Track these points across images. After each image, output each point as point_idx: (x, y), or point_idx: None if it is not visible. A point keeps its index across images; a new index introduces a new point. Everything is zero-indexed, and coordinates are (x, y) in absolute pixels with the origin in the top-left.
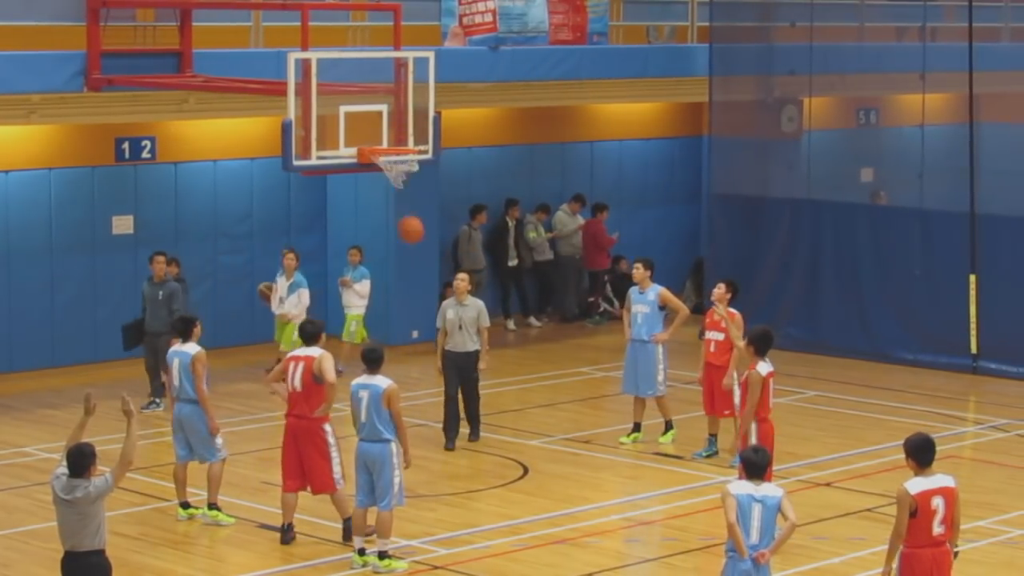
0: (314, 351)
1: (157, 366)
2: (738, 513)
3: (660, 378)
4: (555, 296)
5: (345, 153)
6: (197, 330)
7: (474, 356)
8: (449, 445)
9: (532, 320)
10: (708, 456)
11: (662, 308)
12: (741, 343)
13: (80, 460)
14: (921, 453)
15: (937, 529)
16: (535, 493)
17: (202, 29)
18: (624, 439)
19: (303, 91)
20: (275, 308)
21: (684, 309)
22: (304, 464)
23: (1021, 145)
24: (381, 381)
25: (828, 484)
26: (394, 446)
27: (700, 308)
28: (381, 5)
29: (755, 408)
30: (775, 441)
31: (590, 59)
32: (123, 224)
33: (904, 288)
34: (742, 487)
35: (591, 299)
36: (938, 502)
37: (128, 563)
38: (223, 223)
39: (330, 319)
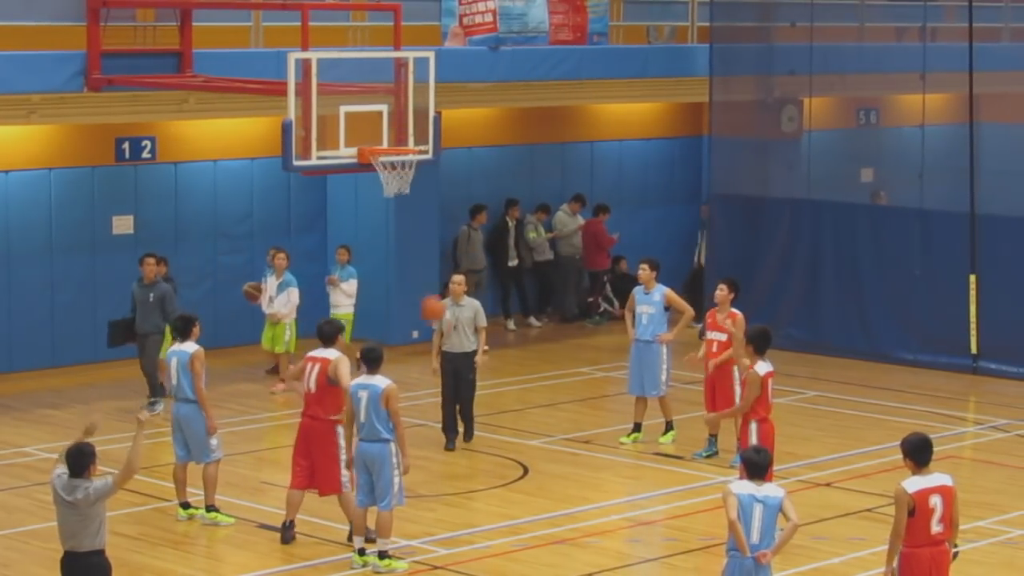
0: (331, 353)
1: (155, 364)
2: (739, 513)
3: (663, 378)
4: (555, 296)
5: (345, 153)
6: (196, 329)
7: (470, 356)
8: (449, 445)
9: (532, 320)
10: (708, 456)
11: (667, 309)
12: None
13: (79, 460)
14: (919, 453)
15: (935, 528)
16: (535, 493)
17: (202, 29)
18: (624, 439)
19: (303, 91)
20: (265, 308)
21: (689, 310)
22: (314, 465)
23: (1021, 145)
24: (380, 381)
25: (828, 484)
26: (393, 446)
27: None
28: (381, 5)
29: (749, 406)
30: (775, 441)
31: (590, 59)
32: (123, 224)
33: (904, 288)
34: (744, 487)
35: (591, 299)
36: (936, 501)
37: (128, 563)
38: (223, 223)
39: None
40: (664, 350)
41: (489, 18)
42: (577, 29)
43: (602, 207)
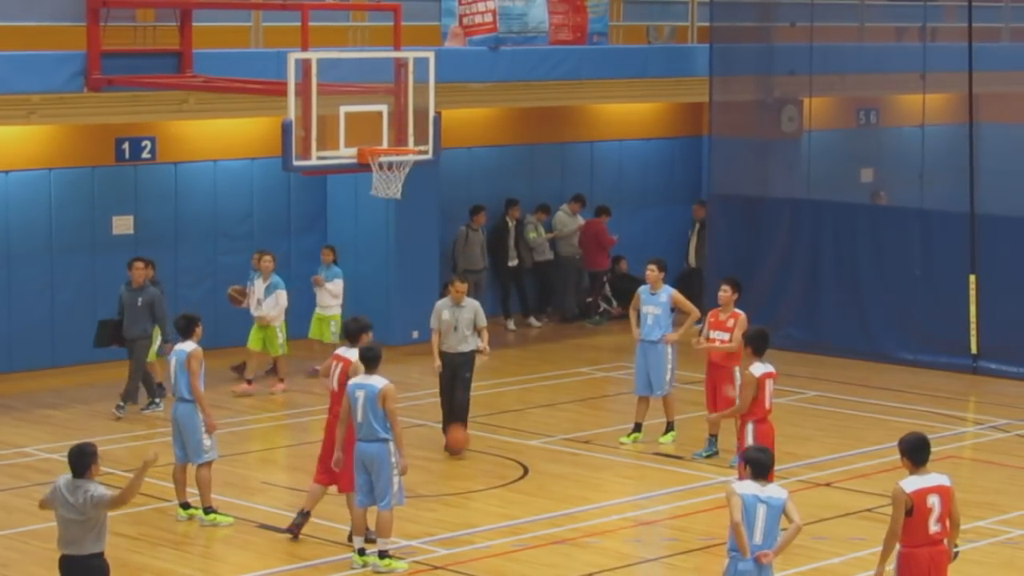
0: (354, 354)
1: (147, 371)
2: (743, 514)
3: (668, 377)
4: (555, 296)
5: (345, 153)
6: (199, 330)
7: (469, 357)
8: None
9: (532, 320)
10: (708, 456)
11: (673, 310)
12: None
13: (81, 459)
14: (916, 452)
15: (933, 528)
16: (535, 493)
17: (202, 29)
18: (624, 439)
19: (303, 91)
20: (253, 311)
21: (695, 311)
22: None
23: (1021, 145)
24: (378, 381)
25: (828, 484)
26: (391, 446)
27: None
28: (381, 5)
29: (747, 407)
30: (775, 442)
31: (590, 59)
32: (123, 224)
33: (904, 288)
34: (747, 487)
35: (590, 299)
36: (934, 500)
37: (128, 563)
38: (223, 223)
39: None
40: (669, 350)
41: (489, 18)
42: (577, 29)
43: (603, 208)
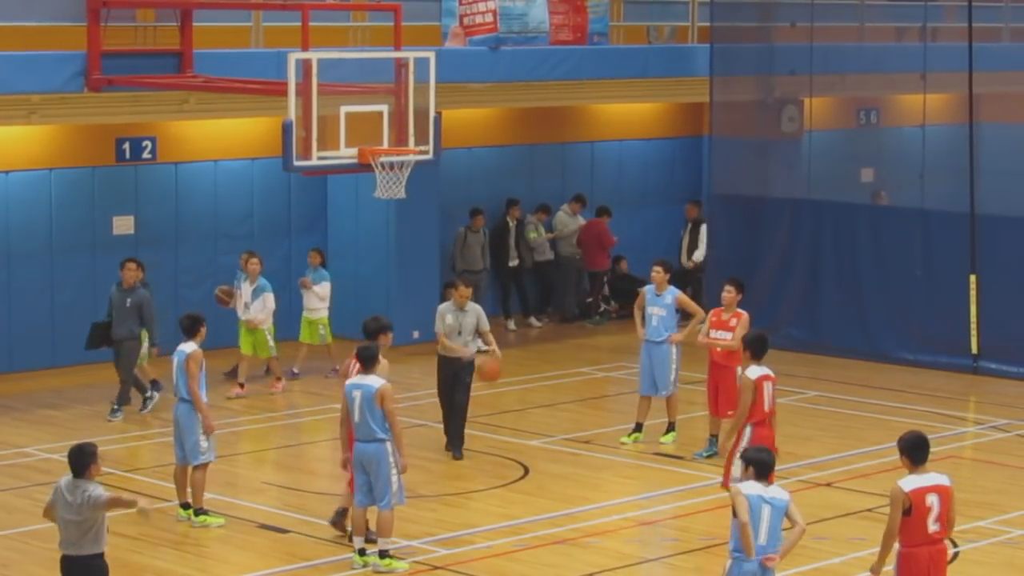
0: None
1: (131, 371)
2: (748, 514)
3: (672, 378)
4: (555, 296)
5: (345, 153)
6: (203, 330)
7: (470, 361)
8: (456, 454)
9: (532, 320)
10: (708, 456)
11: (678, 311)
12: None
13: (80, 459)
14: (915, 451)
15: (932, 527)
16: (535, 493)
17: (202, 29)
18: (625, 439)
19: (303, 91)
20: (241, 314)
21: (700, 312)
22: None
23: (1021, 145)
24: (374, 381)
25: (828, 484)
26: (389, 445)
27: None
28: (381, 5)
29: (746, 412)
30: (775, 446)
31: (590, 59)
32: (123, 224)
33: (904, 288)
34: (752, 488)
35: (589, 300)
36: (933, 500)
37: (128, 563)
38: (223, 223)
39: (333, 320)
40: (674, 350)
41: (489, 18)
42: (577, 29)
43: (604, 208)
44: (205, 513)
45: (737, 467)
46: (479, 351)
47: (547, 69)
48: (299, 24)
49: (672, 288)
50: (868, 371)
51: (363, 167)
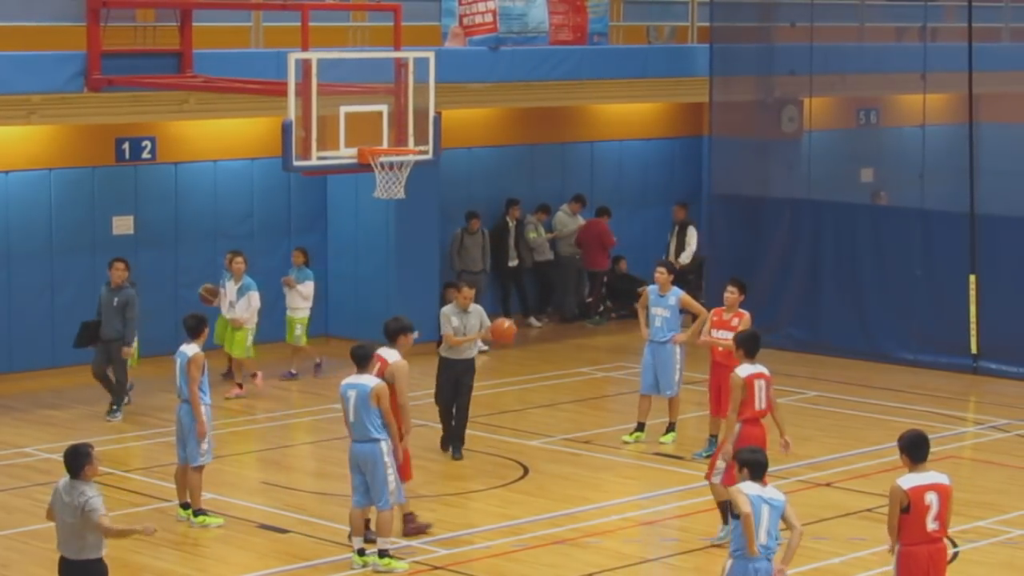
0: (392, 355)
1: (105, 371)
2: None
3: (676, 378)
4: (555, 296)
5: (345, 153)
6: (206, 331)
7: (472, 363)
8: (456, 454)
9: (532, 320)
10: (708, 456)
11: (682, 312)
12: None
13: (76, 459)
14: (915, 449)
15: (931, 525)
16: (535, 493)
17: (202, 29)
18: (627, 438)
19: (303, 91)
20: (225, 312)
21: (705, 313)
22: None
23: (1021, 145)
24: (369, 380)
25: (828, 484)
26: (384, 445)
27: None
28: (381, 5)
29: (737, 411)
30: (766, 444)
31: (590, 59)
32: (123, 224)
33: (904, 288)
34: (751, 488)
35: (589, 300)
36: (932, 498)
37: (128, 563)
38: (223, 223)
39: (332, 319)
40: (678, 350)
41: (489, 18)
42: (577, 29)
43: (604, 208)
44: (204, 513)
45: (722, 461)
46: (479, 352)
47: (547, 69)
48: (299, 24)
49: (676, 289)
50: (868, 371)
51: (363, 167)
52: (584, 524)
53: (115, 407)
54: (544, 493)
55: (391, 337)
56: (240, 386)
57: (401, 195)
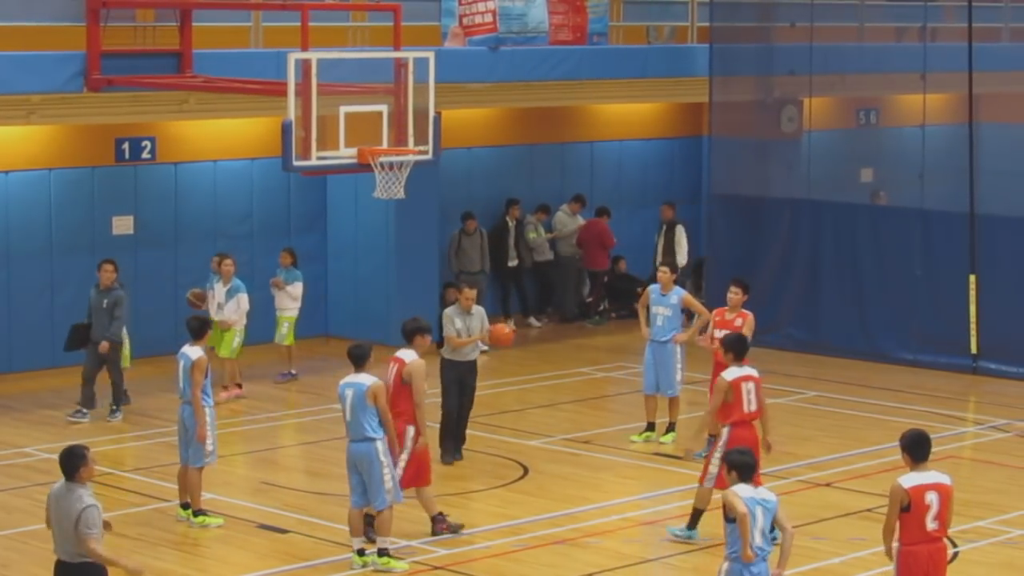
0: (409, 355)
1: (94, 374)
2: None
3: (678, 378)
4: (555, 296)
5: (345, 153)
6: (210, 334)
7: (475, 364)
8: (447, 459)
9: (532, 320)
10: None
11: (683, 311)
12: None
13: (71, 460)
14: (916, 448)
15: (931, 525)
16: (535, 493)
17: (202, 29)
18: (635, 437)
19: (303, 91)
20: (214, 315)
21: (706, 313)
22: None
23: (1021, 145)
24: (366, 379)
25: (828, 484)
26: (380, 444)
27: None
28: (381, 5)
29: (715, 411)
30: (758, 446)
31: (590, 59)
32: (123, 224)
33: (904, 288)
34: (745, 490)
35: (589, 299)
36: (932, 498)
37: None
38: (223, 223)
39: (332, 319)
40: (679, 350)
41: (489, 18)
42: (577, 29)
43: (604, 209)
44: (204, 514)
45: (715, 466)
46: (480, 352)
47: (547, 69)
48: (299, 24)
49: (678, 289)
50: (868, 371)
51: (362, 167)
52: (584, 524)
53: (115, 407)
54: (544, 493)
55: (408, 337)
56: (239, 386)
57: (401, 195)
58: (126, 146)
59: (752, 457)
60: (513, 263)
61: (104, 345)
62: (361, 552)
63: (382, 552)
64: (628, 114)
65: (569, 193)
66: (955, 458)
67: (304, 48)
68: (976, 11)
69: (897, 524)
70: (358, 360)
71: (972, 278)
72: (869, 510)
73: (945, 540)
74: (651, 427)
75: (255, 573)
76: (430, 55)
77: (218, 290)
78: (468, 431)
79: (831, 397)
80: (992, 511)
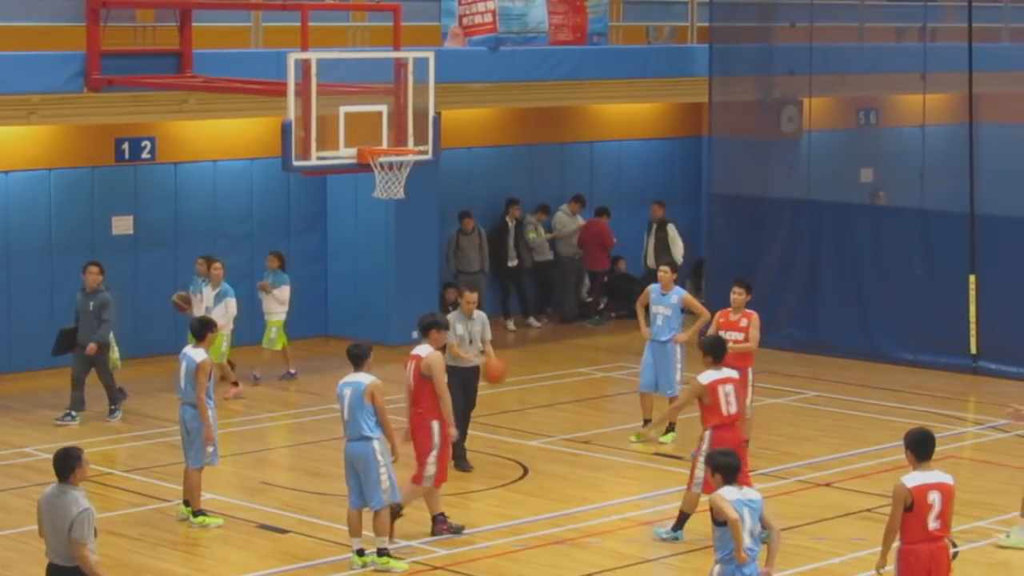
0: (424, 349)
1: (84, 377)
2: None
3: (678, 378)
4: (555, 296)
5: (345, 153)
6: (211, 336)
7: (478, 370)
8: (464, 466)
9: (532, 320)
10: None
11: (683, 311)
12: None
13: (65, 462)
14: (920, 446)
15: (932, 524)
16: (535, 493)
17: (202, 29)
18: (635, 437)
19: (303, 91)
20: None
21: (706, 313)
22: (416, 454)
23: (1021, 145)
24: (364, 378)
25: (828, 484)
26: (377, 444)
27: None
28: (381, 5)
29: (680, 409)
30: (743, 447)
31: (590, 59)
32: (123, 224)
33: (904, 288)
34: (732, 493)
35: (589, 299)
36: (934, 497)
37: (127, 563)
38: (223, 224)
39: (332, 320)
40: (679, 350)
41: (489, 18)
42: (577, 29)
43: (603, 209)
44: (204, 514)
45: (701, 470)
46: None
47: (546, 69)
48: (298, 24)
49: (678, 288)
50: (868, 371)
51: (362, 167)
52: (584, 524)
53: (113, 408)
54: (544, 493)
55: (424, 331)
56: (236, 384)
57: (401, 195)
58: (126, 146)
59: (736, 458)
60: (513, 263)
61: (92, 347)
62: (361, 552)
63: (381, 552)
64: (628, 114)
65: (569, 193)
66: (955, 458)
67: (304, 48)
68: (976, 11)
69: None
70: (357, 359)
71: (972, 278)
72: (869, 510)
73: (946, 540)
74: (647, 423)
75: (255, 573)
76: (430, 55)
77: (206, 294)
78: (468, 431)
79: (831, 397)
80: (991, 511)
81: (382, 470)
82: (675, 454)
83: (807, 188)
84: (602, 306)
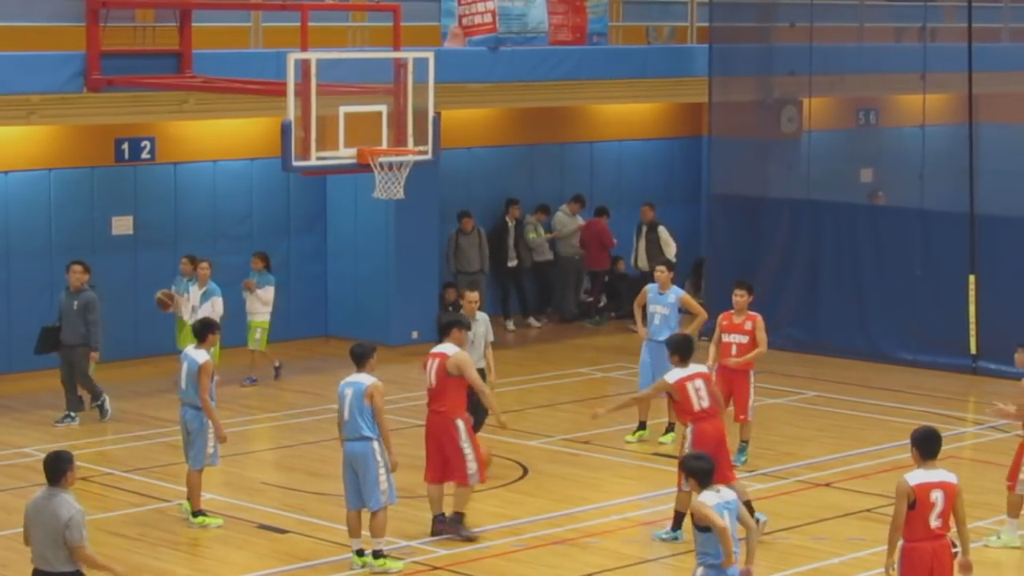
0: (450, 349)
1: (73, 379)
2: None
3: None
4: (555, 296)
5: (345, 154)
6: (212, 337)
7: (483, 372)
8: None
9: (532, 320)
10: None
11: (681, 311)
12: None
13: (57, 465)
14: (924, 444)
15: (934, 523)
16: (535, 493)
17: (202, 29)
18: (629, 437)
19: (303, 92)
20: (188, 318)
21: (703, 313)
22: (446, 458)
23: (1021, 145)
24: (365, 378)
25: (827, 484)
26: (376, 444)
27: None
28: (381, 5)
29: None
30: (725, 440)
31: (590, 59)
32: (123, 225)
33: (904, 288)
34: (711, 498)
35: (590, 299)
36: (937, 496)
37: (128, 563)
38: (223, 224)
39: (332, 320)
40: None
41: (488, 18)
42: (577, 29)
43: (603, 209)
44: (203, 514)
45: None
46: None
47: (546, 69)
48: (298, 24)
49: (676, 288)
50: (868, 371)
51: (362, 167)
52: (584, 524)
53: (98, 404)
54: (544, 493)
55: (444, 331)
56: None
57: (401, 195)
58: (126, 146)
59: (708, 461)
60: (513, 263)
61: (95, 355)
62: (360, 552)
63: (377, 554)
64: (628, 114)
65: (569, 193)
66: (955, 458)
67: (304, 48)
68: (976, 11)
69: None
70: (359, 359)
71: (972, 278)
72: (869, 510)
73: (948, 538)
74: (643, 426)
75: (255, 573)
76: (430, 55)
77: (193, 293)
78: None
79: (831, 397)
80: (992, 511)
81: (381, 471)
82: (674, 454)
83: (807, 188)
84: (602, 306)
